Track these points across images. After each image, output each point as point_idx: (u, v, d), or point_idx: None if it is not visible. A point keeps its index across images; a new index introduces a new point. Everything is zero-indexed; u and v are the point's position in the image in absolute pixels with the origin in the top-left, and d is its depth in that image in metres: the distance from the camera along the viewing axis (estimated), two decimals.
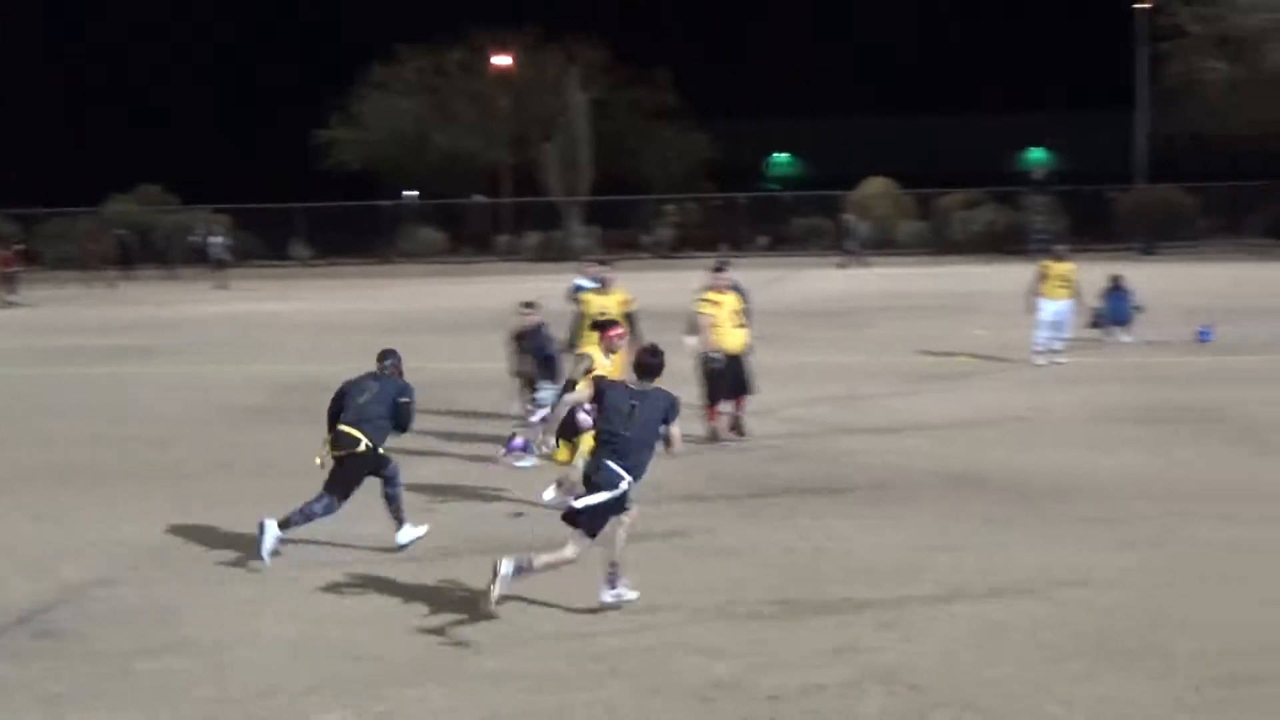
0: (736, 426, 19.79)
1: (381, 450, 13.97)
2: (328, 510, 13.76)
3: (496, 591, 11.18)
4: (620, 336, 15.34)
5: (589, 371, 14.90)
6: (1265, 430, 19.91)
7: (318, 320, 42.15)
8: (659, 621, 11.35)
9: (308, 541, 13.88)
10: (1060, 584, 12.20)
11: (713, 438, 19.53)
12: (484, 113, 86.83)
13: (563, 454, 14.72)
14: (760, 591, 12.13)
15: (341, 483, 13.86)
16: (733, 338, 19.64)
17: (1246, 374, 25.67)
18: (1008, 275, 43.51)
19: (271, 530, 13.46)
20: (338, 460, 13.86)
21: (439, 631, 11.19)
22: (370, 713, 9.60)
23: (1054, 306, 27.56)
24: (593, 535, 11.46)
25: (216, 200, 76.87)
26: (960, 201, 76.89)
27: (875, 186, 79.48)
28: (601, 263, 20.45)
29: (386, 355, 14.71)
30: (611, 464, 11.46)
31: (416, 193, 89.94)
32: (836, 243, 70.99)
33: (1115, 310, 31.72)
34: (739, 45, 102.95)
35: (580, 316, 19.62)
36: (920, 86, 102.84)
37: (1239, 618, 11.15)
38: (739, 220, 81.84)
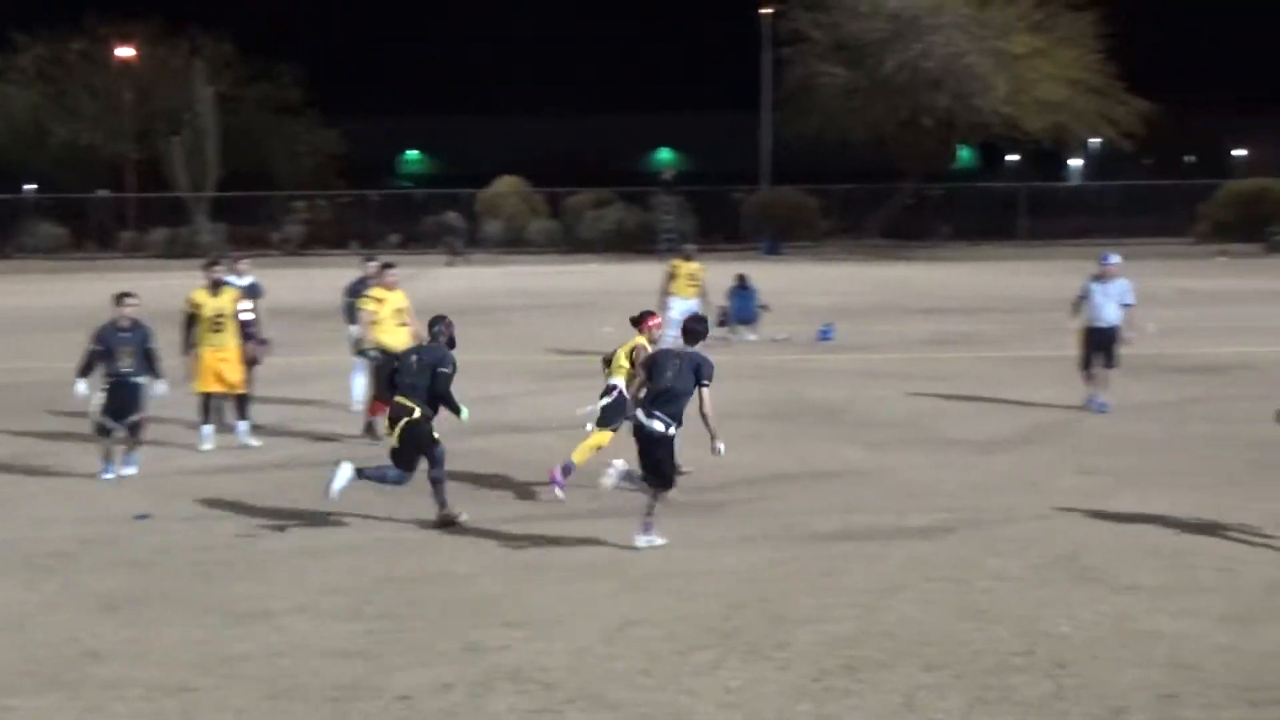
0: (370, 430, 19.50)
1: (432, 424, 14.52)
2: (399, 480, 14.54)
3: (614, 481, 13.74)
4: (659, 325, 16.03)
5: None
6: (882, 426, 20.58)
7: None
8: (287, 624, 11.19)
9: None
10: (689, 577, 12.41)
11: (369, 432, 19.27)
12: (106, 105, 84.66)
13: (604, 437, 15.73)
14: (389, 592, 12.06)
15: (404, 454, 14.48)
16: (395, 336, 19.39)
17: (865, 371, 26.48)
18: (637, 274, 44.16)
19: (346, 471, 14.26)
20: (396, 432, 14.50)
21: (61, 640, 10.85)
22: None
23: (682, 305, 27.98)
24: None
25: None
26: (590, 201, 77.77)
27: (506, 185, 79.87)
28: (212, 263, 19.86)
29: (435, 321, 15.12)
30: (658, 414, 13.42)
31: (35, 186, 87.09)
32: (467, 241, 71.13)
33: (741, 309, 32.42)
34: (369, 41, 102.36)
35: (192, 318, 18.99)
36: (551, 86, 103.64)
37: (858, 607, 11.50)
38: (370, 217, 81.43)
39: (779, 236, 72.49)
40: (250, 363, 19.69)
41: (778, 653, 10.43)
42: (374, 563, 13.02)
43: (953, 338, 32.32)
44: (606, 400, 15.90)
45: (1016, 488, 16.13)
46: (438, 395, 14.57)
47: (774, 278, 42.82)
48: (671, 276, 28.46)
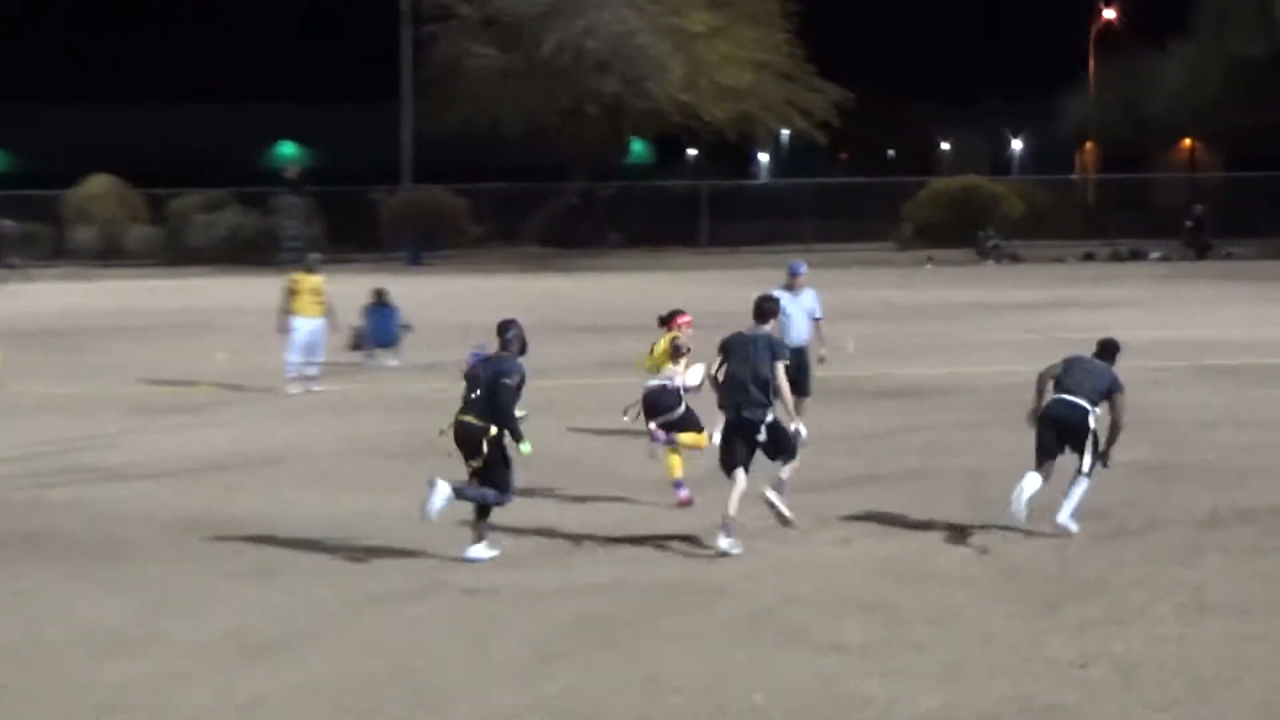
0: None
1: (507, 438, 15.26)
2: (500, 502, 15.30)
3: (727, 543, 15.09)
4: (690, 323, 18.04)
5: (687, 352, 17.73)
6: (545, 466, 20.51)
7: None
8: None
9: None
10: (319, 645, 12.28)
11: None
12: None
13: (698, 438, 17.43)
14: None
15: (493, 473, 15.24)
16: None
17: (525, 400, 26.47)
18: (255, 289, 43.64)
19: (444, 490, 14.79)
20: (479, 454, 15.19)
21: None
22: None
23: (307, 325, 27.57)
24: (745, 466, 15.35)
25: None
26: (200, 203, 76.50)
27: (98, 186, 78.21)
28: None
29: (507, 327, 15.71)
30: (747, 403, 15.25)
31: None
32: (53, 251, 69.62)
33: (379, 329, 32.09)
34: None
35: None
36: (150, 69, 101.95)
37: (517, 676, 11.48)
38: None
39: (423, 244, 72.31)
40: None
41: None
42: None
43: (626, 360, 32.51)
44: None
45: (701, 534, 16.19)
46: (497, 410, 15.16)
47: (418, 292, 42.80)
48: (292, 293, 27.86)
